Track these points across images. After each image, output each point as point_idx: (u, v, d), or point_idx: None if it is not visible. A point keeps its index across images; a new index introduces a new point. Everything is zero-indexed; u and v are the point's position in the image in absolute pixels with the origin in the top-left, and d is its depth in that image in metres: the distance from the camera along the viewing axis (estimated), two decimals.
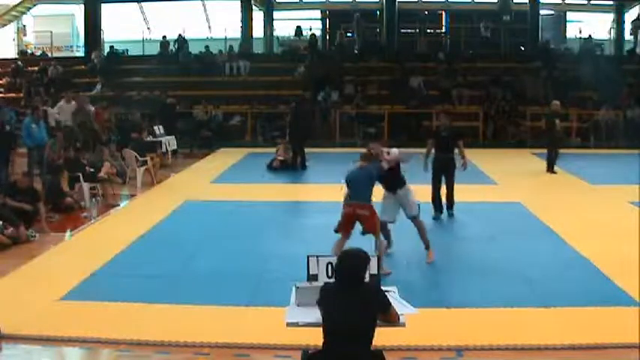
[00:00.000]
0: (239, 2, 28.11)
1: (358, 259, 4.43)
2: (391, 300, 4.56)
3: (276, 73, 23.81)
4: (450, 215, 10.81)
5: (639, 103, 21.14)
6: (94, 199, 12.35)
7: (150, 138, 17.15)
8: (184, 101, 21.92)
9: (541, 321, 6.32)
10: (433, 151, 10.75)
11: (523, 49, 26.95)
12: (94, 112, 17.00)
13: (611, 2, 28.52)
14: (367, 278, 4.60)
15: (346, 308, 4.21)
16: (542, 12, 27.48)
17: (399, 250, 8.59)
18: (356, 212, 7.64)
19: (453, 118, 17.18)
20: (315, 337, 4.45)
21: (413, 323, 4.84)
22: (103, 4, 26.86)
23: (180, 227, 10.30)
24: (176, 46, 26.01)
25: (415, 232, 8.85)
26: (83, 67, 25.23)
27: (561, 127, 15.77)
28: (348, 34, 27.69)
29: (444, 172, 10.63)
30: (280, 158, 16.07)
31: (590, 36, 26.18)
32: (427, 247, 8.32)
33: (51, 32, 28.66)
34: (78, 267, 8.01)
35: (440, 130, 10.92)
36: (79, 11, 29.06)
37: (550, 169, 15.16)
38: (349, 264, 4.39)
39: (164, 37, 26.44)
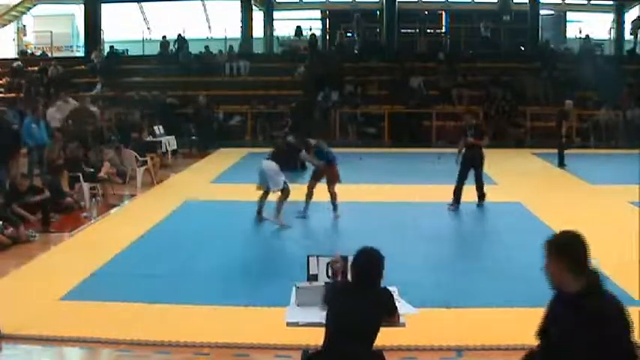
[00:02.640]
0: (239, 2, 28.11)
1: (373, 259, 4.41)
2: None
3: (276, 73, 23.81)
4: (479, 206, 11.35)
5: (639, 103, 21.14)
6: (94, 199, 12.36)
7: (150, 138, 17.17)
8: (183, 100, 21.95)
9: None
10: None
11: (523, 49, 26.95)
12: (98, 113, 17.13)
13: (611, 2, 28.52)
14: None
15: (354, 307, 4.20)
16: (542, 12, 27.48)
17: (399, 251, 8.58)
18: None
19: (454, 118, 17.43)
20: (315, 337, 4.45)
21: (413, 323, 4.84)
22: (103, 4, 26.88)
23: (180, 227, 10.29)
24: (176, 46, 26.01)
25: (414, 234, 8.83)
26: (83, 67, 25.23)
27: (568, 127, 16.52)
28: (348, 34, 27.69)
29: (472, 166, 11.24)
30: None
31: (587, 36, 26.19)
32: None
33: (51, 32, 28.65)
34: (78, 267, 8.01)
35: (465, 128, 11.61)
36: (79, 11, 29.07)
37: (561, 163, 15.97)
38: (375, 264, 4.38)
39: (164, 37, 26.44)
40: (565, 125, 16.06)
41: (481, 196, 11.47)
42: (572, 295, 3.27)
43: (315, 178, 10.66)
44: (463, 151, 11.41)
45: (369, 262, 4.38)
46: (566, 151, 16.17)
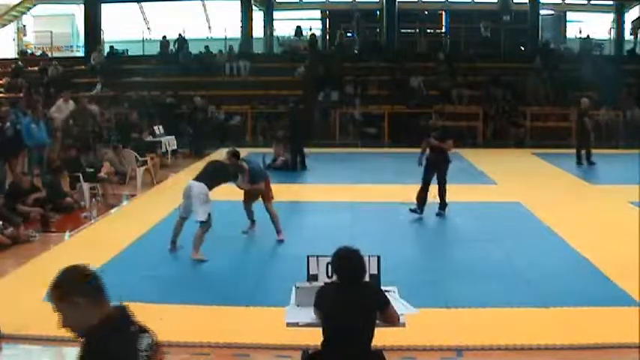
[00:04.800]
0: (239, 2, 28.11)
1: (354, 257, 4.44)
2: (391, 300, 4.56)
3: (276, 73, 23.79)
4: (439, 215, 10.74)
5: (639, 103, 21.15)
6: (94, 199, 12.36)
7: (150, 138, 17.18)
8: (183, 100, 21.97)
9: (541, 321, 6.32)
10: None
11: (523, 49, 26.96)
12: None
13: (611, 2, 28.52)
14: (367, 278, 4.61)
15: (346, 308, 4.22)
16: (542, 12, 27.48)
17: (399, 251, 8.59)
18: None
19: (454, 118, 17.37)
20: (315, 337, 4.46)
21: (413, 323, 4.84)
22: (103, 4, 26.88)
23: None
24: (176, 46, 26.02)
25: (414, 234, 8.81)
26: (83, 67, 25.24)
27: (590, 124, 16.79)
28: (348, 34, 27.69)
29: (435, 170, 10.67)
30: (282, 158, 16.12)
31: (588, 36, 26.21)
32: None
33: (51, 32, 28.63)
34: None
35: (430, 129, 11.05)
36: (79, 11, 29.06)
37: (580, 162, 16.16)
38: (358, 263, 4.40)
39: (164, 37, 26.44)
40: (589, 123, 16.20)
41: (442, 204, 10.77)
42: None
43: (250, 199, 9.53)
44: (427, 152, 10.81)
45: (352, 260, 4.40)
46: (566, 151, 16.24)
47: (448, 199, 10.91)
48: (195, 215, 8.50)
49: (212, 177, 8.70)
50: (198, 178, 8.71)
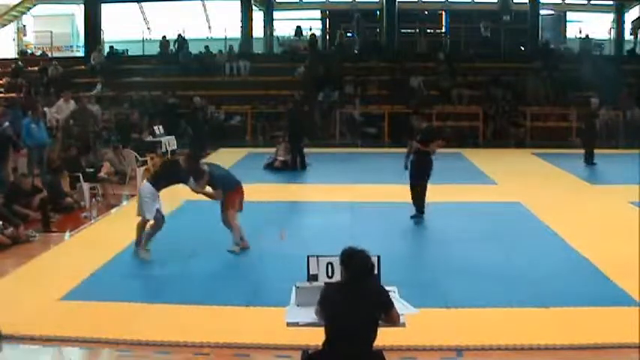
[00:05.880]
0: (239, 2, 28.12)
1: (364, 258, 4.44)
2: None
3: (276, 73, 23.80)
4: (415, 218, 10.47)
5: (639, 103, 21.16)
6: (94, 199, 12.36)
7: (150, 138, 17.18)
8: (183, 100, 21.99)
9: (541, 321, 6.32)
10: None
11: (523, 49, 26.97)
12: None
13: (611, 2, 28.53)
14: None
15: (350, 308, 4.22)
16: (542, 12, 27.50)
17: (399, 251, 8.59)
18: None
19: (454, 118, 17.29)
20: (315, 337, 4.46)
21: (413, 323, 4.84)
22: (103, 4, 26.90)
23: (181, 227, 10.26)
24: (176, 46, 26.04)
25: (414, 234, 8.76)
26: (83, 67, 25.24)
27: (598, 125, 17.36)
28: (348, 34, 27.71)
29: (420, 172, 10.51)
30: (281, 158, 16.09)
31: (587, 36, 26.23)
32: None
33: (51, 32, 28.66)
34: (78, 267, 8.01)
35: (415, 132, 10.75)
36: (79, 11, 29.09)
37: (590, 162, 16.32)
38: (365, 262, 4.41)
39: (164, 37, 26.46)
40: (598, 124, 16.48)
41: (420, 208, 10.49)
42: None
43: (228, 208, 8.85)
44: (411, 156, 10.55)
45: (364, 258, 4.40)
46: (566, 151, 16.28)
47: (447, 198, 10.91)
48: (145, 215, 8.41)
49: (161, 177, 8.61)
50: (149, 178, 8.72)
